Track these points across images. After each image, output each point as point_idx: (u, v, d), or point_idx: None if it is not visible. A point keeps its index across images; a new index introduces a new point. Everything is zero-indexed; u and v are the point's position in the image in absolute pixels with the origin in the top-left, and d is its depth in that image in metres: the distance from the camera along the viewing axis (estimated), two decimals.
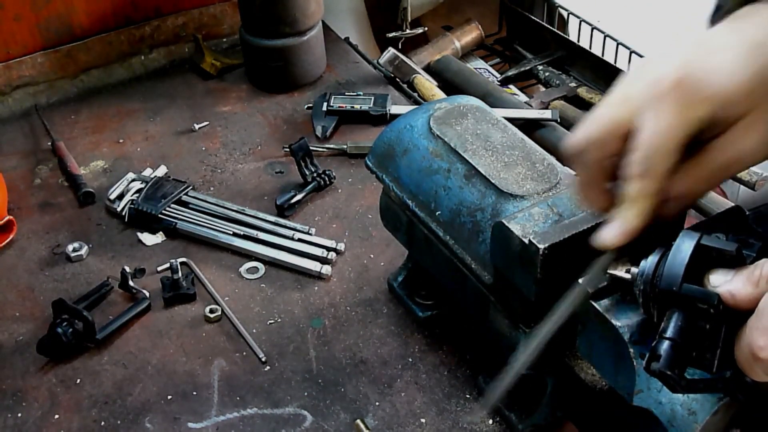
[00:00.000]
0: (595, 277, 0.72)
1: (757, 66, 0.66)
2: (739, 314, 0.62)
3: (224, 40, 1.86)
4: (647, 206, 0.70)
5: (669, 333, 0.63)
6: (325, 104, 1.60)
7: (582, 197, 0.76)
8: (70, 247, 1.30)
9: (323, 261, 1.26)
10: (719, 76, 0.66)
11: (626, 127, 0.70)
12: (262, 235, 1.30)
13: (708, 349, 0.63)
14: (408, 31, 1.95)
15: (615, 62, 1.82)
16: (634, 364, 0.72)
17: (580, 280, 0.72)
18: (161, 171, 1.45)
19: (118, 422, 1.04)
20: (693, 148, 0.69)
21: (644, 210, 0.70)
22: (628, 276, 0.70)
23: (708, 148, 0.69)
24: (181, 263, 1.24)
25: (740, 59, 0.67)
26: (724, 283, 0.63)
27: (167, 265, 1.24)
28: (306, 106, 1.64)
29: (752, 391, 0.64)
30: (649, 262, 0.67)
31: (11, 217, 1.32)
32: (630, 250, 0.71)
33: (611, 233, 0.71)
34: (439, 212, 0.98)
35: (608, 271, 0.72)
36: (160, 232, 1.33)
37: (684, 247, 0.64)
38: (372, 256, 1.28)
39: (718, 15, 0.75)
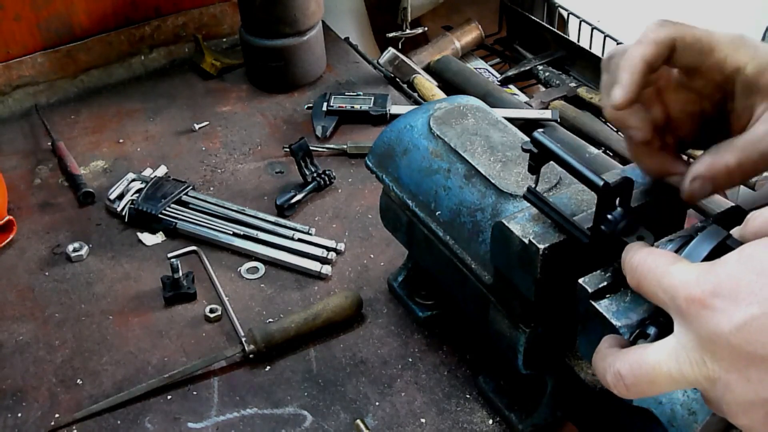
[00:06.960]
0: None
1: None
2: None
3: (224, 40, 1.86)
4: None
5: None
6: (325, 104, 1.60)
7: None
8: (70, 247, 1.30)
9: (323, 261, 1.26)
10: None
11: None
12: (262, 235, 1.30)
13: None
14: (408, 31, 1.95)
15: None
16: None
17: None
18: (161, 171, 1.45)
19: (118, 422, 1.04)
20: None
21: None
22: None
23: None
24: (191, 251, 1.27)
25: None
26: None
27: (176, 253, 1.26)
28: (306, 106, 1.64)
29: None
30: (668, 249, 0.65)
31: (11, 217, 1.32)
32: None
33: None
34: (439, 212, 0.98)
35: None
36: (160, 232, 1.33)
37: (706, 243, 0.62)
38: (372, 256, 1.28)
39: None
